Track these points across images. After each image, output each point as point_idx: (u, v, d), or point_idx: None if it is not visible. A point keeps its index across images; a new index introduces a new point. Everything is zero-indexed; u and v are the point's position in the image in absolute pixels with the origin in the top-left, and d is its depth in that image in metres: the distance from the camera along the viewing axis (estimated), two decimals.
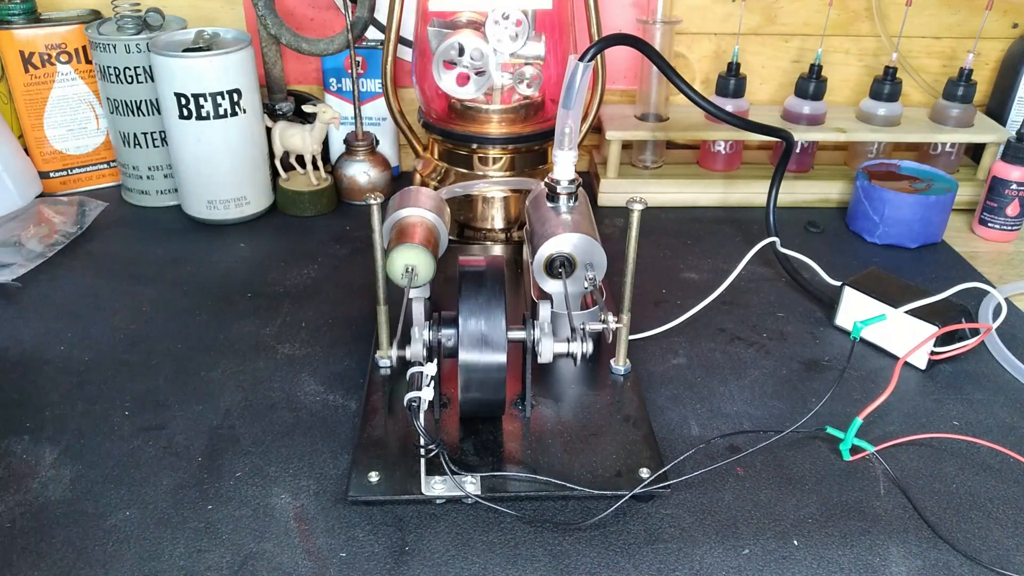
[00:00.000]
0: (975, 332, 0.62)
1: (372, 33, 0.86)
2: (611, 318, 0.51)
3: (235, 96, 0.76)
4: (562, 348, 0.50)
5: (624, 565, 0.45)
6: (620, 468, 0.49)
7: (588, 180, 0.93)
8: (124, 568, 0.44)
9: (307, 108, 0.82)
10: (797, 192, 0.88)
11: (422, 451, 0.45)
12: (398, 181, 0.92)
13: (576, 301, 0.58)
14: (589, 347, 0.49)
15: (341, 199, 0.87)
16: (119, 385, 0.58)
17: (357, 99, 0.83)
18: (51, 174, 0.87)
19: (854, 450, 0.53)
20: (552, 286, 0.57)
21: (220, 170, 0.79)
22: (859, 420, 0.52)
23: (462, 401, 0.50)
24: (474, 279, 0.50)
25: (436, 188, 0.76)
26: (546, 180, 0.59)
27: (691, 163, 0.93)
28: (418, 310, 0.50)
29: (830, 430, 0.53)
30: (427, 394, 0.44)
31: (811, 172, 0.91)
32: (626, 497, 0.47)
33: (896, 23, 0.91)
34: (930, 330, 0.60)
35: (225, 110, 0.76)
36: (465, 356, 0.48)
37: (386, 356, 0.58)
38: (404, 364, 0.49)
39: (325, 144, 0.88)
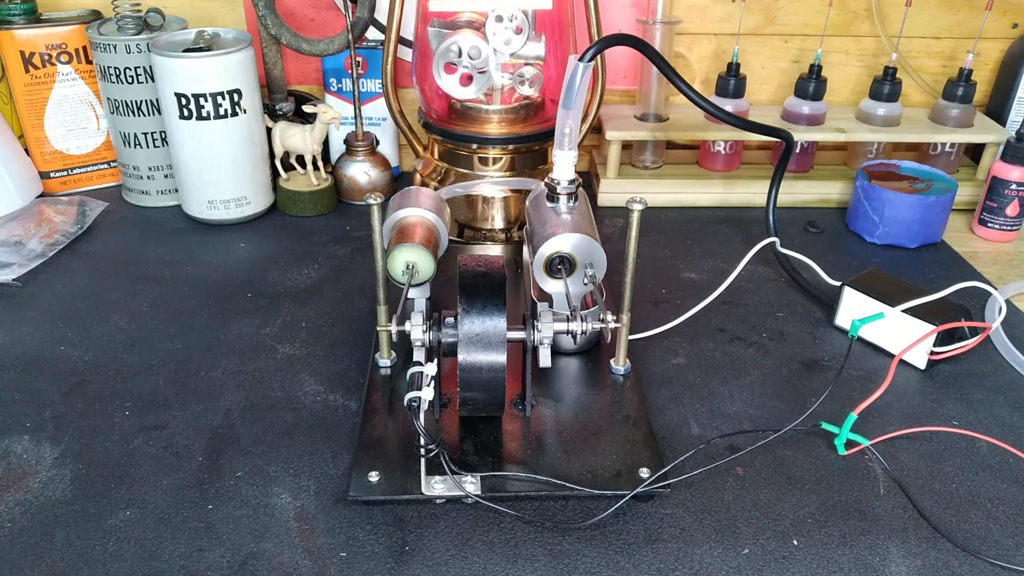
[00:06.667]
0: (974, 331, 0.62)
1: (372, 33, 0.86)
2: (610, 317, 0.51)
3: (235, 96, 0.76)
4: (561, 326, 0.50)
5: (624, 565, 0.45)
6: (620, 468, 0.49)
7: (588, 180, 0.93)
8: (124, 568, 0.44)
9: (307, 108, 0.82)
10: (797, 192, 0.88)
11: (422, 451, 0.45)
12: (398, 181, 0.92)
13: (576, 301, 0.58)
14: (587, 326, 0.50)
15: (341, 199, 0.87)
16: (119, 385, 0.58)
17: (357, 99, 0.83)
18: (51, 174, 0.87)
19: (849, 444, 0.53)
20: (552, 286, 0.57)
21: (220, 170, 0.79)
22: (853, 415, 0.52)
23: (461, 401, 0.50)
24: (474, 280, 0.50)
25: (436, 188, 0.76)
26: (546, 180, 0.59)
27: (691, 163, 0.93)
28: (418, 310, 0.50)
29: (825, 425, 0.53)
30: (427, 394, 0.44)
31: (811, 172, 0.91)
32: (626, 497, 0.47)
33: (896, 23, 0.91)
34: (928, 329, 0.60)
35: (225, 110, 0.76)
36: (464, 356, 0.48)
37: (386, 356, 0.58)
38: (404, 339, 0.49)
39: (325, 144, 0.88)
